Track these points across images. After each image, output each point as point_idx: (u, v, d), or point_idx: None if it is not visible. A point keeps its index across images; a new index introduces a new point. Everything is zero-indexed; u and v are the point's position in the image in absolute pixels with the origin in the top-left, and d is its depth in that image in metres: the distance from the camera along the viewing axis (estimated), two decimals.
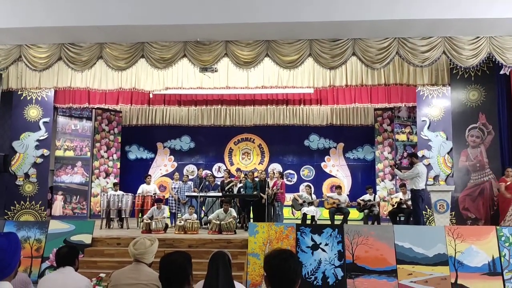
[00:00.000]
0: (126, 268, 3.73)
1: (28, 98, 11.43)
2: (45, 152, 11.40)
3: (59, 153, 12.89)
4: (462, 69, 9.27)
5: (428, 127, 10.85)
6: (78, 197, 13.01)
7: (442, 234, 7.57)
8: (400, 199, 10.62)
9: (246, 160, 14.73)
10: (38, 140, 11.35)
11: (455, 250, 7.38)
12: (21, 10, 8.09)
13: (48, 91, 11.47)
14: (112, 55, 8.85)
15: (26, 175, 11.17)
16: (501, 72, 8.85)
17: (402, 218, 10.45)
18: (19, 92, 11.11)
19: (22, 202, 11.03)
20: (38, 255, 8.12)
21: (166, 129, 14.73)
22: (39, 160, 11.31)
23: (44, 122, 11.48)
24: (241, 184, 11.10)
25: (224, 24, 7.99)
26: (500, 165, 9.30)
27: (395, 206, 10.65)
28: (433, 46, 8.31)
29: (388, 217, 11.07)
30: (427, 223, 10.14)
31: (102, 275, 4.62)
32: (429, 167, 10.72)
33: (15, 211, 10.91)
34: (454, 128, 9.87)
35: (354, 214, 11.76)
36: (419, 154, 10.91)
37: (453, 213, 9.37)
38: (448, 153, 10.47)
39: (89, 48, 8.85)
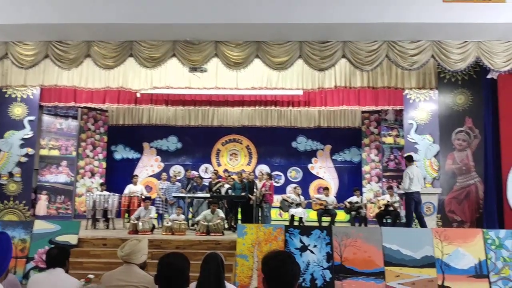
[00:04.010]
0: (116, 270, 3.68)
1: (13, 96, 11.25)
2: (30, 151, 11.22)
3: (44, 152, 12.68)
4: (450, 73, 9.40)
5: (415, 130, 10.94)
6: (62, 197, 12.81)
7: (430, 237, 7.62)
8: (388, 201, 10.68)
9: (234, 161, 14.69)
10: (22, 139, 11.17)
11: (442, 253, 7.43)
12: (7, 6, 7.94)
13: (33, 89, 11.30)
14: (100, 54, 8.73)
15: (10, 174, 10.99)
16: (488, 76, 8.97)
17: (389, 220, 10.51)
18: (3, 90, 10.92)
19: (5, 201, 10.85)
20: (23, 256, 7.95)
21: (152, 129, 14.60)
22: (24, 159, 11.14)
23: (29, 121, 11.30)
24: (229, 185, 11.06)
25: (214, 24, 7.95)
26: (484, 168, 9.40)
27: (382, 208, 10.71)
28: (422, 49, 8.38)
29: (374, 219, 11.13)
30: (413, 226, 10.21)
31: (91, 276, 4.54)
32: None
33: None
34: (441, 132, 9.97)
35: (341, 215, 11.80)
36: None
37: (439, 215, 9.45)
38: (434, 156, 10.57)
39: (76, 46, 8.72)
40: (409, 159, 9.39)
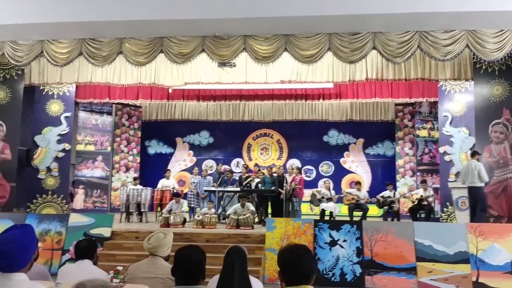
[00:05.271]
0: (142, 262, 3.75)
1: (50, 93, 11.60)
2: (67, 146, 11.56)
3: (80, 147, 13.07)
4: (486, 63, 9.07)
5: (450, 123, 10.65)
6: (98, 191, 13.17)
7: (464, 232, 7.43)
8: (421, 195, 10.44)
9: (265, 156, 14.70)
10: (59, 135, 11.51)
11: (476, 248, 7.24)
12: (42, 5, 8.20)
13: (69, 86, 11.60)
14: (132, 50, 8.91)
15: (48, 169, 11.35)
16: None
17: (423, 215, 10.28)
18: (41, 87, 11.29)
19: (44, 195, 11.22)
20: (59, 248, 8.24)
21: (185, 124, 14.78)
22: (61, 154, 11.48)
23: (65, 117, 11.64)
24: (259, 180, 11.08)
25: (243, 19, 7.97)
26: None
27: (416, 203, 10.48)
28: (456, 39, 8.14)
29: (408, 214, 10.91)
30: (447, 220, 9.98)
31: (120, 268, 4.64)
32: (450, 163, 10.55)
33: (37, 204, 11.10)
34: (477, 124, 9.64)
35: (374, 210, 11.62)
36: (441, 150, 10.72)
37: None
38: (470, 149, 10.23)
39: (109, 43, 8.93)
40: (471, 154, 9.12)
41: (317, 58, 8.56)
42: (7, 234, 2.32)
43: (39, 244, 8.11)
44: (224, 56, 8.71)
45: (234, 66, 9.24)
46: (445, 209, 10.27)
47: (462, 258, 7.23)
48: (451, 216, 9.98)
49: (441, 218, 10.35)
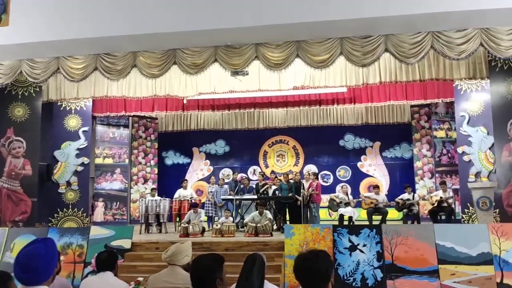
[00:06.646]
0: (161, 272, 3.79)
1: (68, 108, 11.78)
2: (85, 160, 11.71)
3: (98, 160, 13.24)
4: (501, 60, 8.95)
5: (468, 122, 10.51)
6: (118, 203, 13.31)
7: (485, 232, 7.29)
8: (441, 197, 10.31)
9: (281, 162, 14.69)
10: (78, 149, 11.66)
11: (499, 249, 7.09)
12: (57, 23, 8.37)
13: (86, 101, 11.78)
14: (146, 63, 9.01)
15: (68, 183, 11.49)
16: None
17: (444, 217, 10.14)
18: (58, 103, 11.47)
19: (65, 209, 11.36)
20: (81, 261, 8.32)
21: (201, 134, 14.89)
22: (80, 168, 11.62)
23: (83, 131, 11.79)
24: (276, 187, 11.07)
25: (253, 27, 8.00)
26: None
27: (435, 205, 10.35)
28: (469, 38, 8.05)
29: (428, 216, 10.78)
30: (469, 221, 9.83)
31: (140, 279, 4.70)
32: (470, 163, 10.39)
33: (58, 218, 11.25)
34: (495, 123, 9.48)
35: (394, 214, 11.51)
36: (459, 150, 10.59)
37: (498, 210, 9.01)
38: (489, 148, 10.10)
39: (123, 57, 9.05)
40: None
41: (329, 63, 8.55)
42: (29, 248, 2.37)
43: (62, 258, 8.24)
44: (236, 65, 8.75)
45: (247, 74, 9.28)
46: (466, 210, 10.12)
47: (485, 259, 7.09)
48: (472, 217, 9.82)
49: (462, 220, 10.20)
